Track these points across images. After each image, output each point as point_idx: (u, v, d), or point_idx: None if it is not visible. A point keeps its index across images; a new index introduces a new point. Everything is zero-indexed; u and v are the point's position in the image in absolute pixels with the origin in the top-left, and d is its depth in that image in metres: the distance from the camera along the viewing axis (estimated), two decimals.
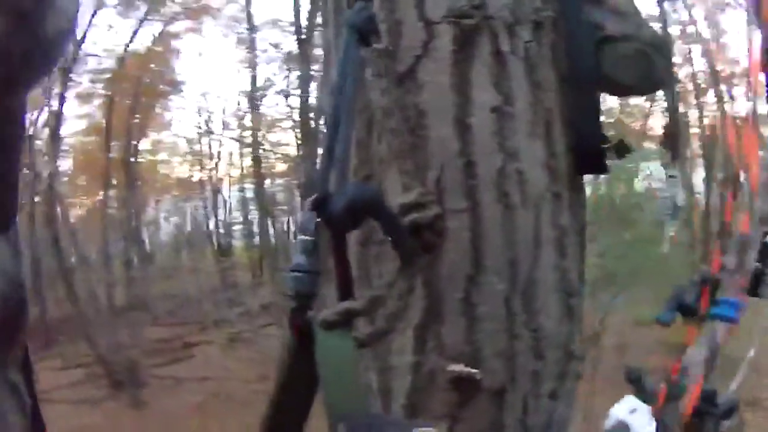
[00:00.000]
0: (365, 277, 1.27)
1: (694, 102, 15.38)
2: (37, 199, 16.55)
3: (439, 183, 1.15)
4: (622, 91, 1.48)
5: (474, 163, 1.16)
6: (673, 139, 1.73)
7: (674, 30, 13.17)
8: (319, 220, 0.87)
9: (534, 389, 1.20)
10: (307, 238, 0.86)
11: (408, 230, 0.92)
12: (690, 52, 14.74)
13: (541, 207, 1.21)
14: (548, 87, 1.25)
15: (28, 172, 16.49)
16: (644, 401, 1.27)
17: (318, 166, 0.98)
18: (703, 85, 15.52)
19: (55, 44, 0.36)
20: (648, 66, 1.36)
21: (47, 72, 0.37)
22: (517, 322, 1.18)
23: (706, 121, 16.06)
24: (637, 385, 1.27)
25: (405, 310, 0.94)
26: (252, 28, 15.27)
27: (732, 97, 15.14)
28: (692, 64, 15.02)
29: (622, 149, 1.55)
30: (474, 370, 1.11)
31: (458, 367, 1.12)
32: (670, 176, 1.70)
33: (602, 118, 1.41)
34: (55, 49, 0.36)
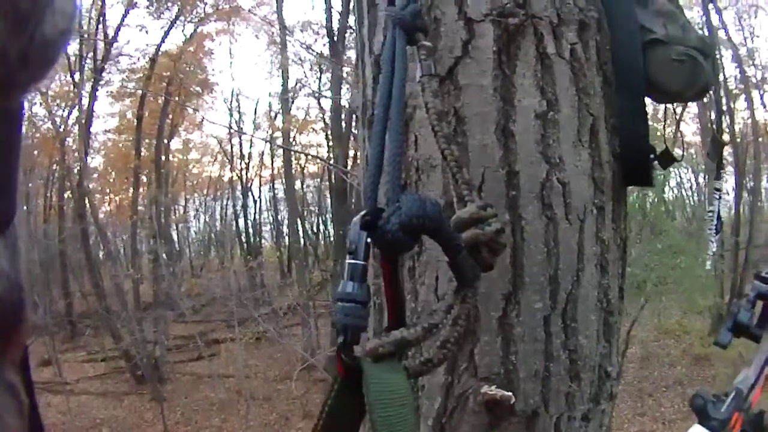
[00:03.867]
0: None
1: (725, 108, 15.06)
2: (67, 194, 16.88)
3: (480, 194, 1.07)
4: (667, 97, 1.39)
5: (516, 173, 1.08)
6: (720, 149, 1.63)
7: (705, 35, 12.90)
8: (369, 240, 0.75)
9: (567, 412, 1.13)
10: (356, 262, 0.74)
11: (467, 248, 0.82)
12: (721, 57, 14.44)
13: (585, 220, 1.13)
14: (594, 92, 1.17)
15: (58, 168, 16.85)
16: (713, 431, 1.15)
17: (365, 176, 0.88)
18: (734, 91, 15.18)
19: (53, 45, 0.35)
20: (695, 71, 1.28)
21: (45, 73, 0.36)
22: (555, 343, 1.10)
23: (737, 127, 15.70)
24: (703, 414, 1.14)
25: (463, 337, 0.85)
26: (283, 30, 15.35)
27: (764, 104, 14.77)
28: (723, 70, 14.72)
29: (667, 159, 1.46)
30: (508, 393, 1.04)
31: (491, 390, 1.04)
32: (716, 189, 1.61)
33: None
34: (53, 49, 0.36)
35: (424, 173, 1.13)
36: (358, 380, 0.72)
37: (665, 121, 1.61)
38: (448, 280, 0.85)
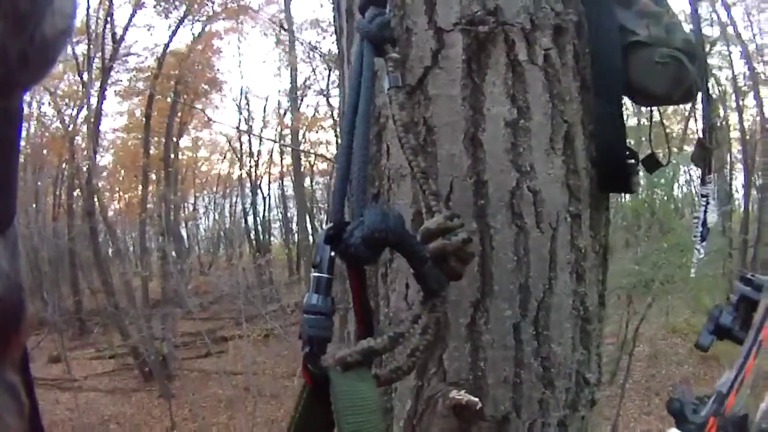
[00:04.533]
0: (372, 297, 1.21)
1: (734, 105, 14.94)
2: (76, 192, 17.00)
3: (447, 203, 1.08)
4: (651, 100, 1.38)
5: (484, 182, 1.09)
6: (708, 154, 1.61)
7: (713, 31, 12.79)
8: (333, 253, 0.77)
9: (541, 418, 1.13)
10: (321, 275, 0.76)
11: (433, 259, 0.83)
12: (729, 54, 14.31)
13: (558, 228, 1.13)
14: (570, 98, 1.16)
15: (67, 166, 16.97)
16: None
17: (333, 190, 0.89)
18: (743, 88, 15.04)
19: (53, 45, 0.36)
20: (679, 73, 1.26)
21: (45, 73, 0.37)
22: (526, 351, 1.11)
23: (746, 124, 15.55)
24: (681, 417, 1.14)
25: (432, 345, 0.86)
26: (291, 28, 15.37)
27: None
28: (732, 67, 14.59)
29: (653, 164, 1.45)
30: (474, 398, 1.05)
31: (459, 394, 1.05)
32: (702, 195, 1.59)
33: (642, 122, 1.32)
34: (53, 49, 0.36)
35: (395, 183, 1.14)
36: (326, 389, 0.73)
37: (650, 118, 1.59)
38: (417, 289, 0.87)
